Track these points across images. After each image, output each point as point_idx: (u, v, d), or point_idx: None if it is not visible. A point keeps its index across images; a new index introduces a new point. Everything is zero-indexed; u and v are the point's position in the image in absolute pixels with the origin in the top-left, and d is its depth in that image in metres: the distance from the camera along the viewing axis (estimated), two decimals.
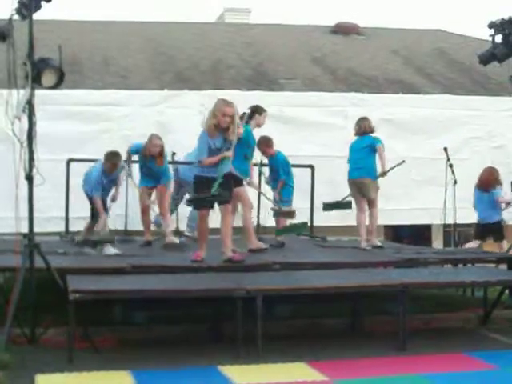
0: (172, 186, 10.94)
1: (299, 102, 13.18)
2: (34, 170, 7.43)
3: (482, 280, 8.62)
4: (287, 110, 12.75)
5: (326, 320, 8.59)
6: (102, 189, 10.10)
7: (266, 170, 10.75)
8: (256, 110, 9.82)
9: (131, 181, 10.55)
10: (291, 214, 10.03)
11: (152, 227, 10.74)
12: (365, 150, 10.23)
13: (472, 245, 11.50)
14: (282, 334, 7.91)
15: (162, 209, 10.39)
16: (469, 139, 13.64)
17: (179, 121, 12.57)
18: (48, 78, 7.58)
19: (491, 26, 9.42)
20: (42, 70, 7.51)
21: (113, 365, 6.74)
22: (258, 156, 10.40)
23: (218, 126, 8.28)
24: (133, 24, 19.43)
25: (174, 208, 11.20)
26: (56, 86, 7.78)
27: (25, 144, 7.40)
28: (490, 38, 9.55)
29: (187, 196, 10.61)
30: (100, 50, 16.54)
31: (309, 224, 11.77)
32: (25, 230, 7.53)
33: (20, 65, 7.45)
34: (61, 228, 11.57)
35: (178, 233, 11.07)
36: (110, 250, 9.29)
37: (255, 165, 10.48)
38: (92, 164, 10.59)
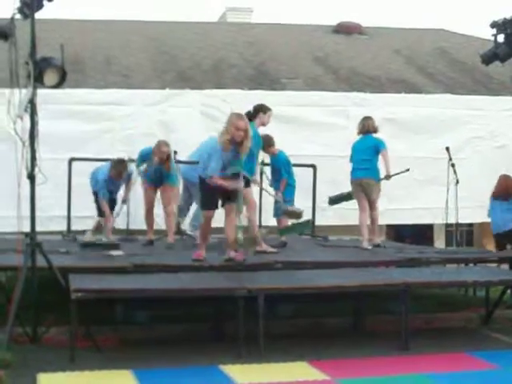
0: (181, 189, 10.94)
1: (301, 102, 13.17)
2: (36, 169, 7.43)
3: (483, 280, 8.61)
4: (289, 109, 12.73)
5: (327, 319, 8.59)
6: (110, 192, 10.09)
7: (267, 169, 10.73)
8: (260, 109, 9.81)
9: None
10: (299, 215, 10.00)
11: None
12: (369, 150, 10.24)
13: None
14: (283, 334, 7.91)
15: (166, 208, 10.37)
16: (471, 139, 13.63)
17: (181, 120, 12.59)
18: (50, 77, 7.58)
19: (493, 25, 9.42)
20: (44, 69, 7.51)
21: (115, 364, 6.75)
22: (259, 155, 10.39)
23: (232, 140, 8.26)
24: (135, 23, 19.43)
25: (187, 211, 11.17)
26: (58, 85, 7.78)
27: (27, 143, 7.39)
28: (493, 38, 9.55)
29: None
30: (102, 49, 16.54)
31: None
32: (27, 229, 7.53)
33: (22, 64, 7.44)
34: (63, 227, 11.57)
35: (179, 232, 11.07)
36: (115, 250, 9.28)
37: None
38: (96, 164, 10.60)
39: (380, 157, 10.25)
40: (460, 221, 11.74)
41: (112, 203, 10.34)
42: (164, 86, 13.42)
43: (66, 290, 7.11)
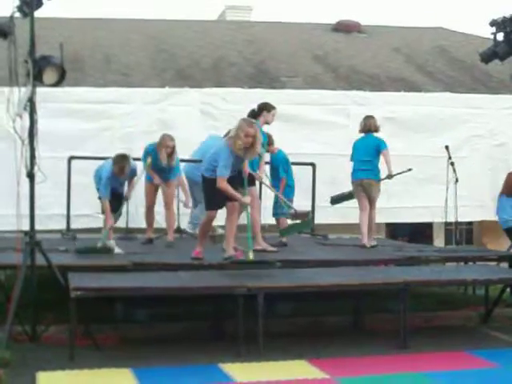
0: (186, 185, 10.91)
1: (300, 100, 13.17)
2: (36, 168, 7.44)
3: (483, 278, 8.61)
4: (289, 107, 12.71)
5: (327, 318, 8.59)
6: (114, 188, 9.85)
7: (266, 168, 10.72)
8: (265, 107, 9.81)
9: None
10: (307, 215, 9.97)
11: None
12: (370, 150, 10.26)
13: None
14: (283, 332, 7.91)
15: (168, 206, 10.34)
16: (470, 137, 13.63)
17: (181, 118, 12.58)
18: (49, 75, 7.58)
19: (493, 24, 9.42)
20: (44, 68, 7.50)
21: (114, 362, 6.75)
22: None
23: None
24: (134, 21, 19.41)
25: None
26: (57, 84, 7.77)
27: (26, 142, 7.39)
28: (492, 36, 9.55)
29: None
30: (101, 47, 16.52)
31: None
32: (26, 227, 7.54)
33: (21, 62, 7.44)
34: (62, 226, 11.56)
35: (178, 231, 11.07)
36: (115, 249, 9.27)
37: None
38: (96, 162, 10.54)
39: (381, 156, 10.27)
40: (459, 219, 11.76)
41: (117, 200, 9.91)
42: (163, 85, 13.42)
43: (65, 288, 7.11)
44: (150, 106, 12.68)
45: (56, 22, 16.78)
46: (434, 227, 14.56)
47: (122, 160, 9.60)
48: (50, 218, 11.53)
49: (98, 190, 10.17)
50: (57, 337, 7.38)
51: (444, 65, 17.33)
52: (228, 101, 12.86)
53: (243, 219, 8.79)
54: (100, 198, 9.98)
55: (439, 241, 14.35)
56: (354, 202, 10.68)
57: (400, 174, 10.42)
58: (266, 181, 9.97)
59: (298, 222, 9.88)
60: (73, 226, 11.57)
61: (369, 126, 10.41)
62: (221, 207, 8.56)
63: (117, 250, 9.23)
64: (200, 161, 9.31)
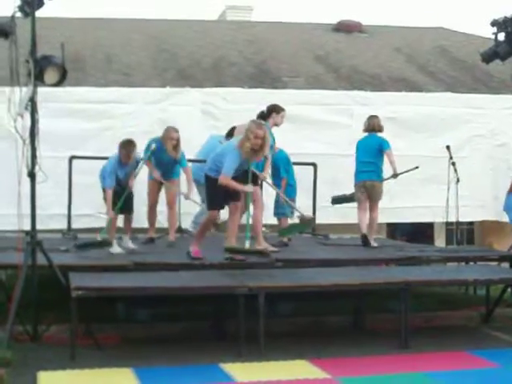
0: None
1: (302, 100, 13.16)
2: (37, 168, 7.45)
3: (484, 278, 8.62)
4: (290, 107, 12.65)
5: (328, 318, 8.60)
6: (118, 180, 9.57)
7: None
8: (274, 109, 9.81)
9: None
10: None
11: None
12: (373, 151, 10.27)
13: None
14: (284, 332, 7.91)
15: (170, 204, 10.30)
16: (471, 137, 13.62)
17: (182, 118, 12.55)
18: (50, 75, 7.59)
19: (494, 24, 9.42)
20: (45, 68, 7.51)
21: (115, 362, 6.76)
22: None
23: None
24: (135, 21, 19.41)
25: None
26: (58, 84, 7.78)
27: (27, 141, 7.40)
28: (493, 36, 9.55)
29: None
30: (102, 47, 16.52)
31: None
32: (27, 227, 7.54)
33: (23, 62, 7.45)
34: (63, 225, 11.55)
35: (180, 230, 11.06)
36: (116, 248, 9.24)
37: None
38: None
39: (385, 156, 10.27)
40: (460, 219, 11.74)
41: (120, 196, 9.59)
42: (164, 85, 13.41)
43: (66, 288, 7.11)
44: (151, 106, 12.68)
45: (57, 21, 16.78)
46: (435, 227, 14.54)
47: (129, 144, 9.49)
48: (51, 218, 11.52)
49: (103, 189, 9.97)
50: (58, 336, 7.39)
51: (445, 65, 17.32)
52: (229, 101, 12.86)
53: (245, 220, 8.80)
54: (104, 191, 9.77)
55: (440, 241, 14.32)
56: (354, 203, 10.68)
57: (407, 172, 10.44)
58: (270, 181, 9.91)
59: (297, 222, 9.89)
60: (74, 225, 11.56)
61: (372, 126, 10.43)
62: (223, 207, 8.56)
63: (118, 250, 9.21)
64: (205, 161, 9.28)
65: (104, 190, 9.77)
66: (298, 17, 41.50)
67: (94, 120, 12.36)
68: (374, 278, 8.04)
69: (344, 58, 17.29)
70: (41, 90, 7.64)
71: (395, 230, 14.78)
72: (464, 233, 15.02)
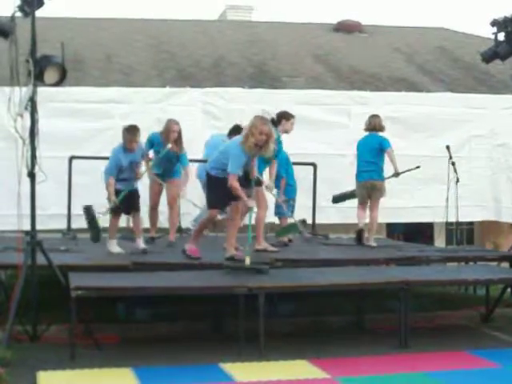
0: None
1: (302, 100, 13.14)
2: (36, 168, 7.44)
3: (484, 278, 8.62)
4: (290, 107, 12.64)
5: (328, 318, 8.60)
6: (120, 172, 9.19)
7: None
8: (283, 116, 9.79)
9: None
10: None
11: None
12: (373, 151, 10.28)
13: None
14: (283, 332, 7.92)
15: (171, 204, 10.26)
16: (471, 137, 13.62)
17: (182, 118, 12.49)
18: (50, 75, 7.58)
19: (494, 23, 9.41)
20: (45, 68, 7.51)
21: (115, 362, 6.76)
22: None
23: (256, 144, 8.18)
24: (135, 21, 19.41)
25: None
26: (58, 84, 7.78)
27: (27, 141, 7.40)
28: (493, 36, 9.54)
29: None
30: (103, 47, 16.53)
31: (311, 222, 11.79)
32: (27, 227, 7.54)
33: (22, 62, 7.45)
34: (63, 225, 11.54)
35: (179, 230, 11.05)
36: (115, 248, 9.23)
37: None
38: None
39: (386, 155, 10.28)
40: (460, 219, 11.72)
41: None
42: (164, 84, 13.42)
43: (65, 288, 7.11)
44: (151, 106, 12.66)
45: (57, 21, 16.78)
46: (435, 227, 14.54)
47: (133, 128, 9.32)
48: (50, 218, 11.52)
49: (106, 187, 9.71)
50: (57, 336, 7.38)
51: (445, 65, 17.33)
52: (229, 100, 12.85)
53: (247, 220, 8.78)
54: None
55: (440, 241, 14.33)
56: (354, 202, 10.68)
57: (408, 171, 10.44)
58: (274, 190, 9.81)
59: (292, 222, 9.90)
60: (73, 225, 11.53)
61: (373, 125, 10.44)
62: (224, 207, 8.53)
63: (118, 250, 9.20)
64: (205, 161, 9.25)
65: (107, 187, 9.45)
66: (298, 17, 41.63)
67: (93, 120, 12.35)
68: (373, 278, 8.04)
69: (344, 58, 17.29)
70: (41, 89, 7.64)
71: (391, 227, 14.76)
72: (464, 233, 15.03)
